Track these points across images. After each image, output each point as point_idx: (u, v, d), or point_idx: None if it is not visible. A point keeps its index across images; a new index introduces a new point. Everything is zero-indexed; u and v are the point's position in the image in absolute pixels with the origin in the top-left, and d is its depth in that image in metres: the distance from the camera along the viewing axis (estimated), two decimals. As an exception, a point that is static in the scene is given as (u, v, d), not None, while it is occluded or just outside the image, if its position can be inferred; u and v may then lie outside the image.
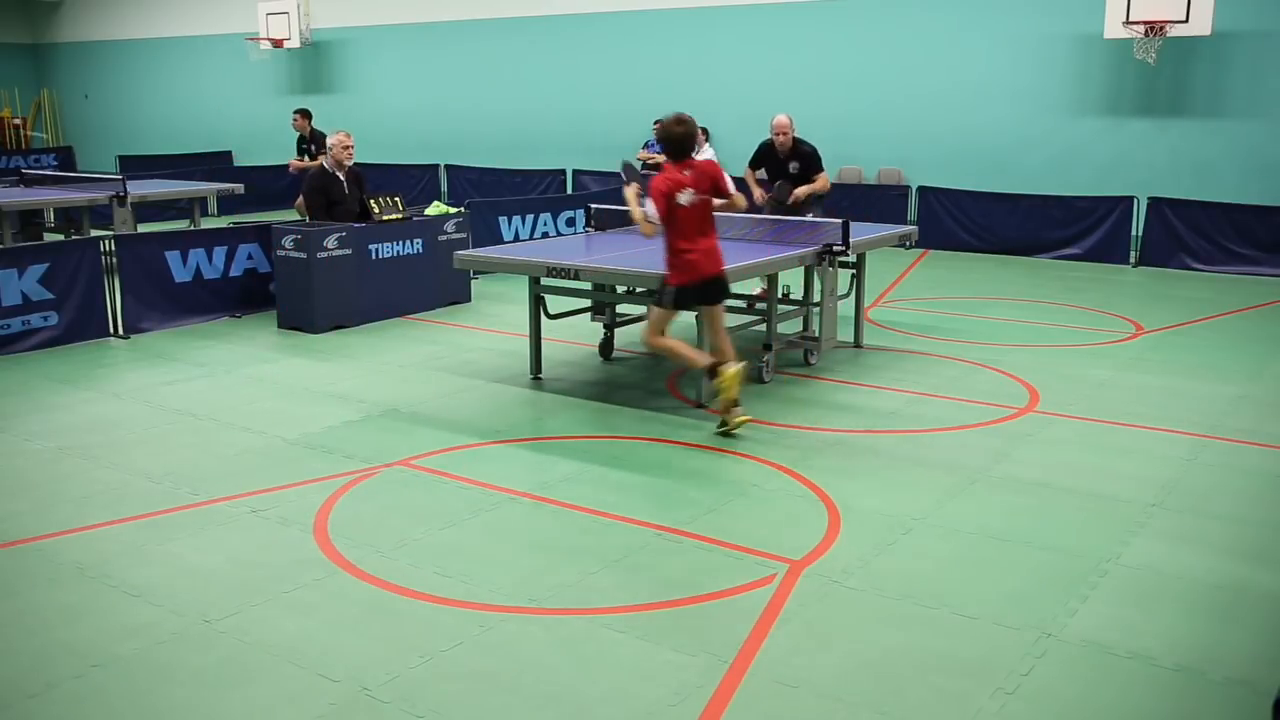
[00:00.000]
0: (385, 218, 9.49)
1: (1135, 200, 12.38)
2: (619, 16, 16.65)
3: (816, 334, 7.66)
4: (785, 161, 9.17)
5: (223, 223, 11.74)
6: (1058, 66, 13.33)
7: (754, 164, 9.54)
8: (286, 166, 14.33)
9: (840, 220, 7.46)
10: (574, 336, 8.36)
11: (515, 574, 4.44)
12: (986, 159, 13.83)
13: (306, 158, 13.07)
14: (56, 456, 5.88)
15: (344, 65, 19.72)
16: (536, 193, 16.15)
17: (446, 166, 18.05)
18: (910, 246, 9.64)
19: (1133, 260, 12.36)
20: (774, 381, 7.31)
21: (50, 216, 12.73)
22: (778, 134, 9.06)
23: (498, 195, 15.18)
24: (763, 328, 7.50)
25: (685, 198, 5.97)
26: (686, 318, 6.66)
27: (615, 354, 8.02)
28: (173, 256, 9.11)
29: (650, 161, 16.23)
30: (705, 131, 15.81)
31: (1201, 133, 12.64)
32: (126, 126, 23.11)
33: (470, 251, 8.18)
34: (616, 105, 16.81)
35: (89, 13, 23.57)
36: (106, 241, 8.85)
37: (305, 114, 13.23)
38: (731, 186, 6.23)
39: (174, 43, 22.17)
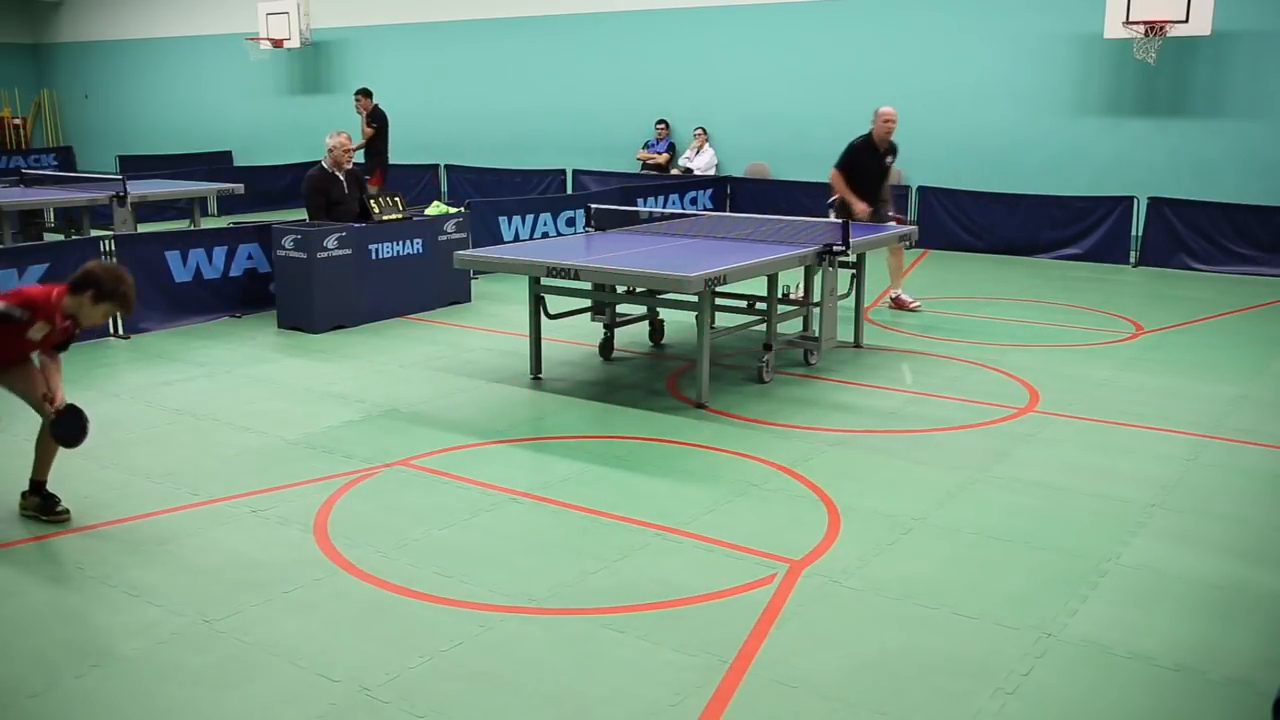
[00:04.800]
0: (385, 218, 9.49)
1: (1135, 200, 12.37)
2: (619, 16, 16.65)
3: (816, 334, 7.66)
4: (883, 156, 9.17)
5: (223, 223, 11.74)
6: (1058, 66, 13.33)
7: (846, 166, 9.14)
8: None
9: (840, 220, 7.45)
10: (574, 336, 8.36)
11: (515, 574, 4.44)
12: (986, 159, 13.82)
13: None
14: (56, 457, 5.87)
15: (344, 65, 19.71)
16: (536, 193, 16.14)
17: (446, 166, 18.05)
18: (910, 246, 9.64)
19: (1133, 260, 12.35)
20: (774, 381, 7.31)
21: (50, 216, 12.71)
22: (888, 122, 9.05)
23: (498, 195, 15.17)
24: (763, 328, 7.50)
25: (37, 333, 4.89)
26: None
27: (615, 354, 8.02)
28: (173, 256, 9.11)
29: (650, 161, 16.25)
30: (704, 131, 15.85)
31: (1201, 133, 12.63)
32: (126, 126, 23.10)
33: (470, 251, 8.18)
34: (616, 105, 16.81)
35: (89, 13, 23.56)
36: (106, 241, 8.85)
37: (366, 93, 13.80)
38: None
39: (174, 43, 22.16)
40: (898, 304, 9.68)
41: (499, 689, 3.59)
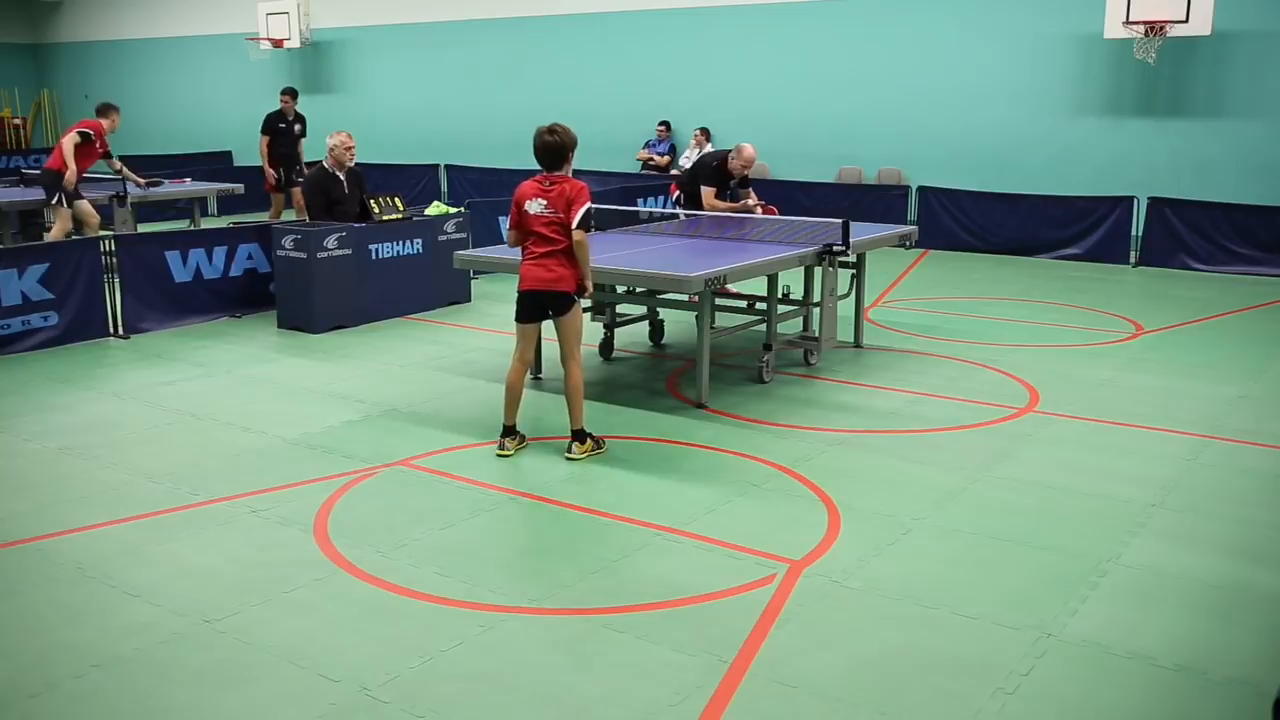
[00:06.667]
0: (385, 218, 9.49)
1: (1135, 200, 12.38)
2: (619, 16, 16.65)
3: (816, 334, 7.66)
4: None
5: (223, 223, 11.73)
6: (1058, 66, 13.33)
7: None
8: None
9: (840, 220, 7.45)
10: (574, 336, 8.34)
11: (515, 574, 4.44)
12: (986, 159, 13.82)
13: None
14: (56, 456, 5.88)
15: (344, 65, 19.71)
16: (536, 193, 16.09)
17: (446, 166, 18.05)
18: (910, 246, 9.63)
19: (1133, 260, 12.35)
20: (774, 381, 7.31)
21: (50, 217, 12.69)
22: None
23: (498, 195, 15.15)
24: (763, 328, 7.50)
25: (535, 206, 5.67)
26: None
27: (615, 354, 8.02)
28: (173, 256, 9.11)
29: (651, 161, 16.25)
30: (705, 131, 15.85)
31: (1201, 133, 12.63)
32: (126, 126, 22.94)
33: (470, 251, 8.18)
34: (616, 105, 16.81)
35: (89, 13, 23.56)
36: (106, 241, 8.85)
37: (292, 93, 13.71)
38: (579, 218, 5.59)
39: (174, 43, 22.16)
40: None
41: (499, 689, 3.59)
